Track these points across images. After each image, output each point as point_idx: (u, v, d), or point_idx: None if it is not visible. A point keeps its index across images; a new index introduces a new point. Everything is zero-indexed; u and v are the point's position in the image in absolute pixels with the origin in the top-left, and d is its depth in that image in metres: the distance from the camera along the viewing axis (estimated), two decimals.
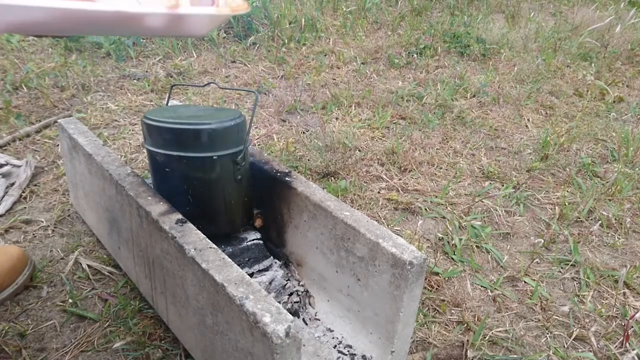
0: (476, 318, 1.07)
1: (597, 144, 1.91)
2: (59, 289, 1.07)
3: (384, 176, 1.58)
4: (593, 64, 2.73)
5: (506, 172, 1.66)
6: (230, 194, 0.94)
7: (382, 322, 0.85)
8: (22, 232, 1.23)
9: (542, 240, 1.32)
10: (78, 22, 0.56)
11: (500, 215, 1.43)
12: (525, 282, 1.19)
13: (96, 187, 1.06)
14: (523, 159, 1.76)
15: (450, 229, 1.35)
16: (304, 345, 0.92)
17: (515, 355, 1.00)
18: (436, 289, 1.14)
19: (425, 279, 1.13)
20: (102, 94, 2.01)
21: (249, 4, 0.63)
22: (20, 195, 1.36)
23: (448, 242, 1.30)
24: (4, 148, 1.59)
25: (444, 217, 1.40)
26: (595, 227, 1.38)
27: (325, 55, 2.60)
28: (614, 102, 2.31)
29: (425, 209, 1.43)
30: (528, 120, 2.06)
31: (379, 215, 1.39)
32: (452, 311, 1.09)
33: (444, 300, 1.11)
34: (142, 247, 0.93)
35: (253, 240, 0.99)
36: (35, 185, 1.42)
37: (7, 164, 1.46)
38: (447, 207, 1.45)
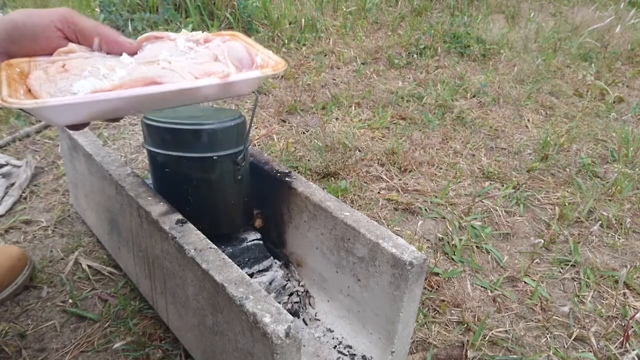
0: (476, 318, 1.07)
1: (597, 144, 1.91)
2: (59, 289, 1.07)
3: (384, 176, 1.58)
4: (593, 64, 2.73)
5: (506, 173, 1.66)
6: (230, 194, 0.94)
7: (382, 322, 0.85)
8: (22, 233, 1.23)
9: (542, 241, 1.32)
10: (148, 103, 0.64)
11: (500, 216, 1.43)
12: (525, 282, 1.19)
13: (96, 188, 1.06)
14: (523, 159, 1.76)
15: (450, 229, 1.35)
16: (304, 345, 0.92)
17: (515, 356, 1.00)
18: (436, 289, 1.14)
19: (425, 280, 1.13)
20: None
21: (285, 62, 0.70)
22: (20, 196, 1.36)
23: (448, 242, 1.30)
24: (4, 148, 1.59)
25: (444, 218, 1.40)
26: (595, 228, 1.38)
27: (325, 56, 2.60)
28: (614, 102, 2.31)
29: (425, 210, 1.43)
30: (528, 120, 2.06)
31: (379, 216, 1.39)
32: (452, 311, 1.09)
33: (444, 301, 1.11)
34: (142, 248, 0.93)
35: (253, 240, 0.99)
36: (35, 185, 1.42)
37: (7, 164, 1.46)
38: (447, 208, 1.45)
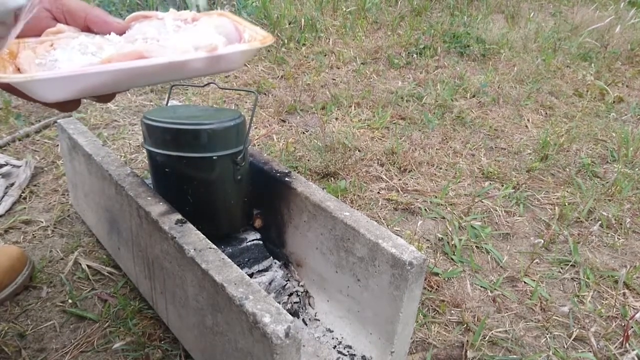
0: (476, 318, 1.07)
1: (597, 144, 1.91)
2: (58, 289, 1.07)
3: (384, 176, 1.58)
4: (593, 64, 2.73)
5: (506, 173, 1.66)
6: (230, 194, 0.94)
7: (382, 322, 0.85)
8: (21, 233, 1.23)
9: (542, 241, 1.32)
10: (136, 78, 0.63)
11: (500, 216, 1.43)
12: (525, 282, 1.19)
13: (96, 188, 1.06)
14: (523, 159, 1.76)
15: (450, 229, 1.35)
16: (303, 345, 0.92)
17: (515, 356, 1.00)
18: (436, 289, 1.14)
19: (425, 280, 1.13)
20: None
21: (273, 36, 0.70)
22: (20, 196, 1.36)
23: (448, 242, 1.30)
24: (3, 148, 1.59)
25: (443, 218, 1.40)
26: (595, 228, 1.38)
27: (325, 56, 2.60)
28: (614, 102, 2.31)
29: (425, 209, 1.43)
30: (528, 120, 2.06)
31: (378, 216, 1.39)
32: (452, 311, 1.09)
33: (443, 301, 1.11)
34: (141, 248, 0.93)
35: (253, 240, 0.99)
36: (35, 185, 1.42)
37: (6, 164, 1.46)
38: (446, 208, 1.45)
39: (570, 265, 1.25)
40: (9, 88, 0.63)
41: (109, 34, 0.68)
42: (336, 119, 1.95)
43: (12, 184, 1.39)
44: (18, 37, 0.64)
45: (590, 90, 2.40)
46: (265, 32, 0.71)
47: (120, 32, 0.69)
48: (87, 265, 1.13)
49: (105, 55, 0.62)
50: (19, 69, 0.62)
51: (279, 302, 0.95)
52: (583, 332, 1.05)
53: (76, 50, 0.63)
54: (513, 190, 1.54)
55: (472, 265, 1.23)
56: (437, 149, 1.77)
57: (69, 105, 0.63)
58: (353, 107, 2.04)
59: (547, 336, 1.05)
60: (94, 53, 0.63)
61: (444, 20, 3.20)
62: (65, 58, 0.61)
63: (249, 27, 0.73)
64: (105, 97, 0.67)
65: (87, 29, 0.68)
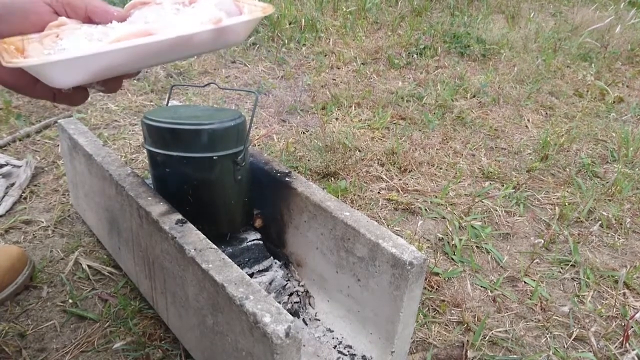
0: (476, 318, 1.07)
1: (597, 144, 1.91)
2: (59, 289, 1.07)
3: (384, 176, 1.58)
4: (593, 64, 2.73)
5: (506, 173, 1.66)
6: (230, 194, 0.94)
7: (382, 322, 0.85)
8: (22, 233, 1.23)
9: (542, 241, 1.32)
10: (146, 55, 0.64)
11: (500, 216, 1.43)
12: (525, 282, 1.19)
13: (96, 188, 1.06)
14: (523, 159, 1.76)
15: (450, 229, 1.35)
16: (304, 345, 0.92)
17: (515, 356, 1.00)
18: (436, 289, 1.14)
19: (425, 279, 1.13)
20: (102, 94, 2.01)
21: (273, 6, 0.71)
22: (20, 196, 1.36)
23: (448, 242, 1.30)
24: (4, 148, 1.59)
25: (444, 218, 1.40)
26: (595, 228, 1.38)
27: (325, 56, 2.60)
28: (614, 102, 2.31)
29: (425, 209, 1.43)
30: (528, 120, 2.06)
31: (379, 216, 1.39)
32: (452, 311, 1.09)
33: (444, 301, 1.11)
34: (142, 248, 0.93)
35: (253, 240, 0.99)
36: (35, 185, 1.42)
37: (7, 164, 1.46)
38: (447, 208, 1.45)
39: (571, 265, 1.25)
40: (13, 84, 0.63)
41: (111, 23, 0.69)
42: (336, 119, 1.95)
43: (13, 184, 1.39)
44: (21, 33, 0.65)
45: (591, 90, 2.40)
46: (263, 3, 0.72)
47: (121, 20, 0.69)
48: (88, 265, 1.13)
49: (114, 36, 0.62)
50: None
51: (279, 302, 0.95)
52: (583, 332, 1.05)
53: (82, 38, 0.64)
54: (513, 190, 1.54)
55: (472, 265, 1.23)
56: (437, 149, 1.77)
57: (78, 97, 0.64)
58: (353, 107, 2.04)
59: (547, 336, 1.05)
60: (100, 39, 0.64)
61: (444, 21, 3.20)
62: (73, 46, 0.62)
63: (248, 1, 0.74)
64: (113, 85, 0.68)
65: (88, 20, 0.68)
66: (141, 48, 0.61)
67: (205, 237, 0.79)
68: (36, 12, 0.65)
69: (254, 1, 0.73)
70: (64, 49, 0.62)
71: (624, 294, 1.18)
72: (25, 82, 0.62)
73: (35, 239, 1.22)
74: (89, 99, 1.94)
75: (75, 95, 0.64)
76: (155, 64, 0.79)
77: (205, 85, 1.06)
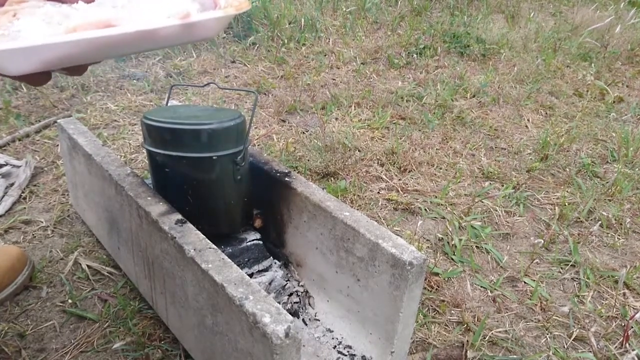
0: (476, 318, 1.07)
1: (597, 144, 1.91)
2: (58, 289, 1.07)
3: (384, 176, 1.58)
4: (593, 64, 2.73)
5: (506, 173, 1.66)
6: (230, 194, 0.94)
7: (382, 322, 0.85)
8: (21, 233, 1.23)
9: (542, 241, 1.32)
10: (103, 48, 0.60)
11: (500, 216, 1.43)
12: (525, 282, 1.19)
13: (96, 188, 1.06)
14: (523, 159, 1.76)
15: (450, 229, 1.35)
16: (303, 345, 0.92)
17: (515, 356, 1.00)
18: (436, 289, 1.14)
19: (425, 280, 1.13)
20: (102, 94, 2.01)
21: (249, 1, 0.68)
22: (20, 196, 1.36)
23: (448, 242, 1.30)
24: (3, 148, 1.59)
25: (443, 218, 1.40)
26: (595, 228, 1.38)
27: (325, 56, 2.60)
28: (614, 102, 2.31)
29: (425, 210, 1.43)
30: (528, 120, 2.06)
31: (378, 216, 1.39)
32: (452, 311, 1.09)
33: (443, 301, 1.11)
34: (141, 248, 0.92)
35: (253, 240, 0.99)
36: (35, 185, 1.42)
37: (6, 164, 1.46)
38: (447, 208, 1.45)
39: (570, 265, 1.25)
40: None
41: (77, 2, 0.64)
42: (336, 119, 1.95)
43: (12, 184, 1.39)
44: None
45: (590, 90, 2.40)
46: None
47: (89, 1, 0.66)
48: (87, 265, 1.13)
49: (71, 25, 0.58)
50: None
51: (279, 302, 0.95)
52: (583, 332, 1.05)
53: (40, 20, 0.59)
54: (513, 190, 1.54)
55: (472, 265, 1.23)
56: (437, 149, 1.77)
57: (38, 78, 0.60)
58: (353, 107, 2.04)
59: (547, 336, 1.05)
60: (60, 22, 0.59)
61: (444, 20, 3.20)
62: (29, 28, 0.58)
63: None
64: (75, 70, 0.64)
65: None
66: (97, 41, 0.56)
67: (204, 237, 0.79)
68: None
69: None
70: (19, 30, 0.58)
71: (624, 294, 1.18)
72: None
73: (34, 239, 1.22)
74: (89, 98, 1.94)
75: (36, 77, 0.59)
76: (117, 56, 0.75)
77: (205, 85, 1.06)
